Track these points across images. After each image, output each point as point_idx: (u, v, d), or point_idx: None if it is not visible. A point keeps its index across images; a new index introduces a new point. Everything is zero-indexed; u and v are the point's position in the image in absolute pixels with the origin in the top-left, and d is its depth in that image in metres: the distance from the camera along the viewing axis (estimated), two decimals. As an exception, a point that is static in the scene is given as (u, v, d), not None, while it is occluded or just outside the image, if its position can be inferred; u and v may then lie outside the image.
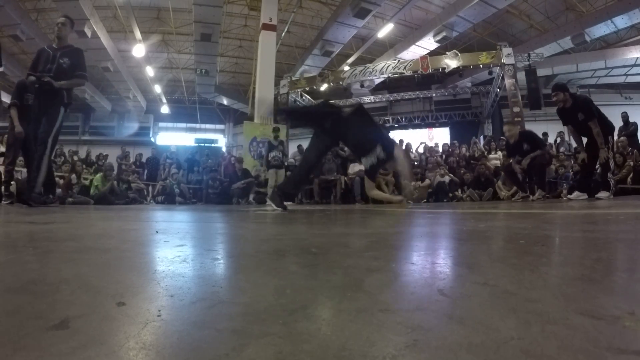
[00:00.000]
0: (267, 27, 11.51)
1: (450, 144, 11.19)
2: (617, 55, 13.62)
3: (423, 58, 12.73)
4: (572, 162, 8.43)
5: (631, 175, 6.74)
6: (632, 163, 6.85)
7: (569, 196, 5.14)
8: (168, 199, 8.79)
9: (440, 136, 15.55)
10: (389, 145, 3.64)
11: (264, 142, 9.93)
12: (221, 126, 22.73)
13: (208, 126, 22.49)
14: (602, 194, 4.76)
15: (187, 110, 21.70)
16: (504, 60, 11.35)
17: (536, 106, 11.73)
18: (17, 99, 5.01)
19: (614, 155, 4.82)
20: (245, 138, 11.38)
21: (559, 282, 0.62)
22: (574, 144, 10.27)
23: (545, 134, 10.20)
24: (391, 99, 17.35)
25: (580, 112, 4.72)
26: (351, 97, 16.96)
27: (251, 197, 8.60)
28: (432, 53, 13.60)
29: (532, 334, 0.40)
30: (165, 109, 20.48)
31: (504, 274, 0.70)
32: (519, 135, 5.93)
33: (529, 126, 11.26)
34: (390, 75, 12.94)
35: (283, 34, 14.94)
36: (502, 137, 9.87)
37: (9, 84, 15.61)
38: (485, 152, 9.75)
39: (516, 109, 11.14)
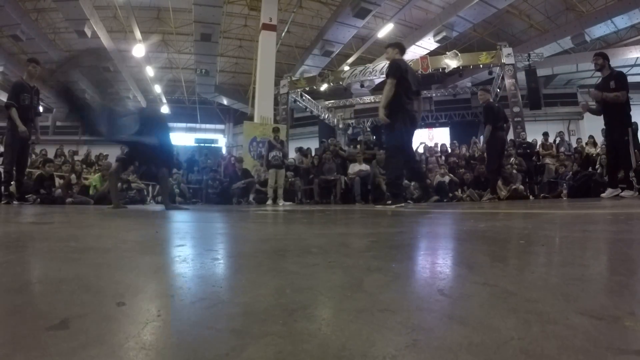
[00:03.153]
0: (267, 27, 11.51)
1: (450, 144, 11.19)
2: (617, 55, 13.60)
3: (423, 58, 12.72)
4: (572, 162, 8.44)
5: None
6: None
7: (602, 195, 5.21)
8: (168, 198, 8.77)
9: (440, 136, 15.54)
10: None
11: (263, 142, 9.92)
12: (221, 126, 22.72)
13: (208, 126, 22.49)
14: (626, 193, 4.84)
15: (187, 110, 21.70)
16: (504, 60, 11.34)
17: (536, 106, 11.72)
18: (15, 101, 5.02)
19: (635, 152, 4.92)
20: (245, 138, 11.37)
21: (559, 282, 0.62)
22: (574, 144, 10.31)
23: (545, 134, 10.19)
24: (391, 99, 17.33)
25: (612, 81, 4.89)
26: (351, 97, 16.96)
27: (251, 197, 8.59)
28: (432, 53, 13.59)
29: (532, 334, 0.40)
30: (165, 109, 20.48)
31: (504, 274, 0.70)
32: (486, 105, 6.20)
33: (528, 126, 11.27)
34: (390, 75, 12.92)
35: (283, 34, 14.93)
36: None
37: (9, 83, 15.59)
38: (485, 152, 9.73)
39: (516, 109, 11.13)
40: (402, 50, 4.49)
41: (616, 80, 4.88)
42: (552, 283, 0.63)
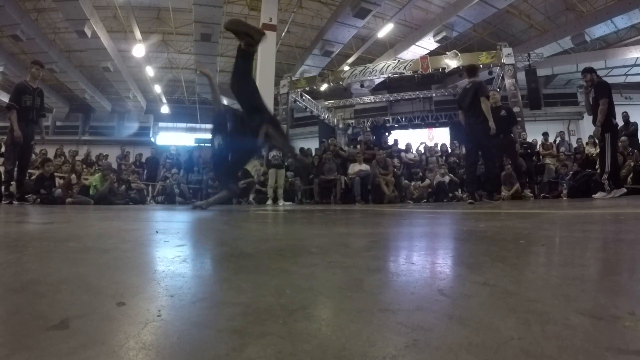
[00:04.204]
0: (267, 27, 11.49)
1: (450, 144, 11.20)
2: (617, 55, 13.60)
3: (423, 58, 12.72)
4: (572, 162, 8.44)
5: (631, 175, 6.74)
6: (632, 163, 6.85)
7: (594, 195, 5.32)
8: (168, 199, 8.79)
9: (440, 136, 15.53)
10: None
11: (264, 142, 9.91)
12: (221, 126, 22.71)
13: (208, 126, 22.47)
14: (599, 195, 4.98)
15: (187, 110, 21.69)
16: (504, 60, 11.33)
17: (536, 106, 11.72)
18: (16, 102, 5.04)
19: (611, 155, 5.01)
20: (245, 138, 11.33)
21: (559, 282, 0.62)
22: (574, 144, 10.33)
23: (545, 134, 10.19)
24: (391, 99, 17.34)
25: (593, 91, 5.15)
26: (351, 97, 16.95)
27: (251, 197, 8.59)
28: (432, 53, 13.58)
29: (532, 334, 0.40)
30: (165, 109, 20.47)
31: (504, 274, 0.70)
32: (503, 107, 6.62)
33: (529, 126, 11.26)
34: (390, 75, 12.93)
35: (283, 34, 14.93)
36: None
37: (9, 83, 15.60)
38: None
39: (516, 109, 11.11)
40: (469, 73, 5.28)
41: (595, 90, 5.10)
42: (552, 283, 0.63)
